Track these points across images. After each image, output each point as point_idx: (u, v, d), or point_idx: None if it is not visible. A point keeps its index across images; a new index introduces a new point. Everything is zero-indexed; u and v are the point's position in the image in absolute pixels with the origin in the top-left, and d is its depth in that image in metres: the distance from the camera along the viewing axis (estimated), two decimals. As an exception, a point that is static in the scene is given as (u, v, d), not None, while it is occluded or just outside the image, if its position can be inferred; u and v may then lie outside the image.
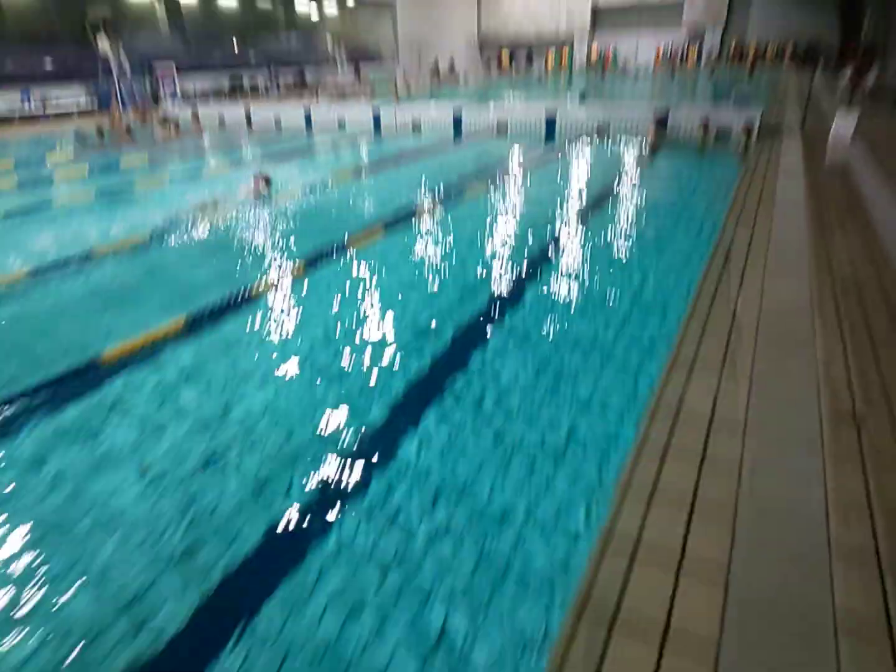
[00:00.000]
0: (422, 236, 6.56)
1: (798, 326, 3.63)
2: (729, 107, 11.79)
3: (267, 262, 5.85)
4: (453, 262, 5.64)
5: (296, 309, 4.79)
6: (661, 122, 11.09)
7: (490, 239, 6.37)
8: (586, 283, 4.96)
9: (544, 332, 4.16)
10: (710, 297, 4.13)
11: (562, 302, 4.68)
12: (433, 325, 4.34)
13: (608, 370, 3.64)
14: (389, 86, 28.46)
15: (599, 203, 7.51)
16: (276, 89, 26.33)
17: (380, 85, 29.21)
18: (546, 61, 37.94)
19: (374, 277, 5.34)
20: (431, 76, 32.37)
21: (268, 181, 8.39)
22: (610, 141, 11.41)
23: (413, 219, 7.11)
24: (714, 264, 4.75)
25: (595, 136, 11.73)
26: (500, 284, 5.09)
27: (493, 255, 5.81)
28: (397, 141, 13.17)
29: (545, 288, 4.98)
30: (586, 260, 5.54)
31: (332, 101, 21.05)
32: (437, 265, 5.60)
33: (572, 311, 4.51)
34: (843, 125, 9.66)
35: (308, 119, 15.23)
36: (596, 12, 36.44)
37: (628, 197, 7.75)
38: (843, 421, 2.77)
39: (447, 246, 6.16)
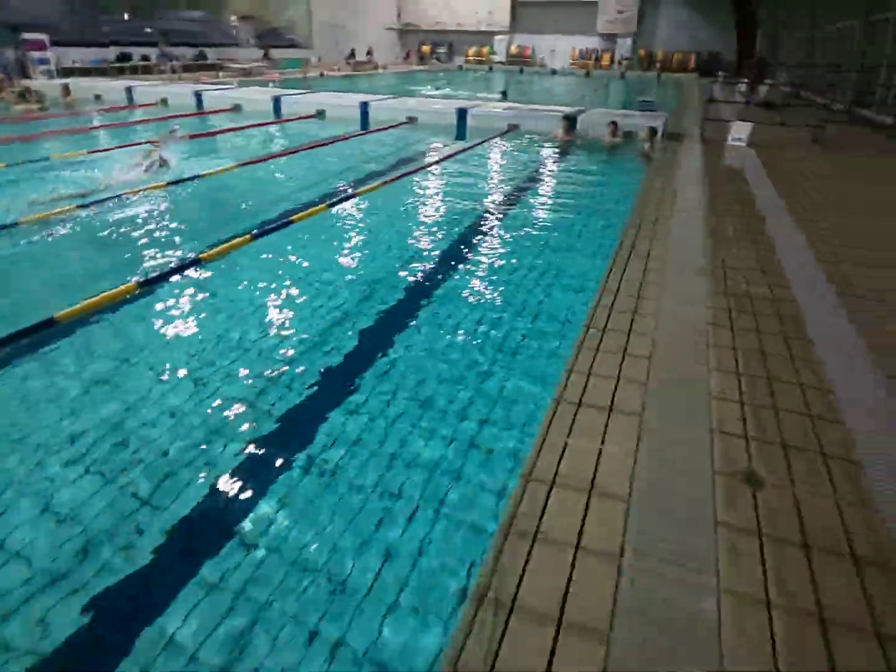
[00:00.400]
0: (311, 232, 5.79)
1: (692, 359, 3.28)
2: (636, 112, 11.85)
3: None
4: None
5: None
6: (571, 123, 10.90)
7: (368, 244, 5.72)
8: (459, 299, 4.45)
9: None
10: (603, 321, 3.72)
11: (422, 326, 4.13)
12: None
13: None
14: (302, 68, 26.97)
15: (497, 202, 7.04)
16: (172, 69, 24.01)
17: (291, 64, 27.61)
18: (466, 55, 37.68)
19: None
20: (347, 63, 31.04)
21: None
22: (521, 139, 11.06)
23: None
24: (611, 280, 4.38)
25: (506, 133, 11.36)
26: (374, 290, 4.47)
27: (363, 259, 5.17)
28: (299, 126, 12.16)
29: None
30: (464, 272, 5.00)
31: (234, 81, 19.48)
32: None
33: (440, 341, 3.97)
34: (739, 132, 9.86)
35: (199, 99, 13.77)
36: (515, 7, 36.59)
37: (529, 198, 7.35)
38: (736, 485, 2.37)
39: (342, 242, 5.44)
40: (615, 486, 2.32)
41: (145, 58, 24.65)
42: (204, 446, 2.80)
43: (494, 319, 4.11)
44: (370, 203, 6.97)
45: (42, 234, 5.56)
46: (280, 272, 4.90)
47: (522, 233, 5.99)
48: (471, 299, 4.44)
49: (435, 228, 6.13)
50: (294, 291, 4.55)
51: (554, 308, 4.31)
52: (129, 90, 14.44)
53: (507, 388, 3.34)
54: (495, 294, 4.55)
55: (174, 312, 4.18)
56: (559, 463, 2.44)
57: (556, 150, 10.26)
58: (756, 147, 9.74)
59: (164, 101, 14.12)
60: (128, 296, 4.15)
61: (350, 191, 7.23)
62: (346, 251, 5.54)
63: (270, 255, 5.24)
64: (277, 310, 4.29)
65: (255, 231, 5.32)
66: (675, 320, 3.71)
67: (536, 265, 5.09)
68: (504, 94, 17.66)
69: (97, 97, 14.87)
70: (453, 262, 5.20)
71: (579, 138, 10.78)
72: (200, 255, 4.80)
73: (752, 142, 9.85)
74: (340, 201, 6.69)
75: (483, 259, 5.28)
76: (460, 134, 11.41)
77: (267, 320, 4.11)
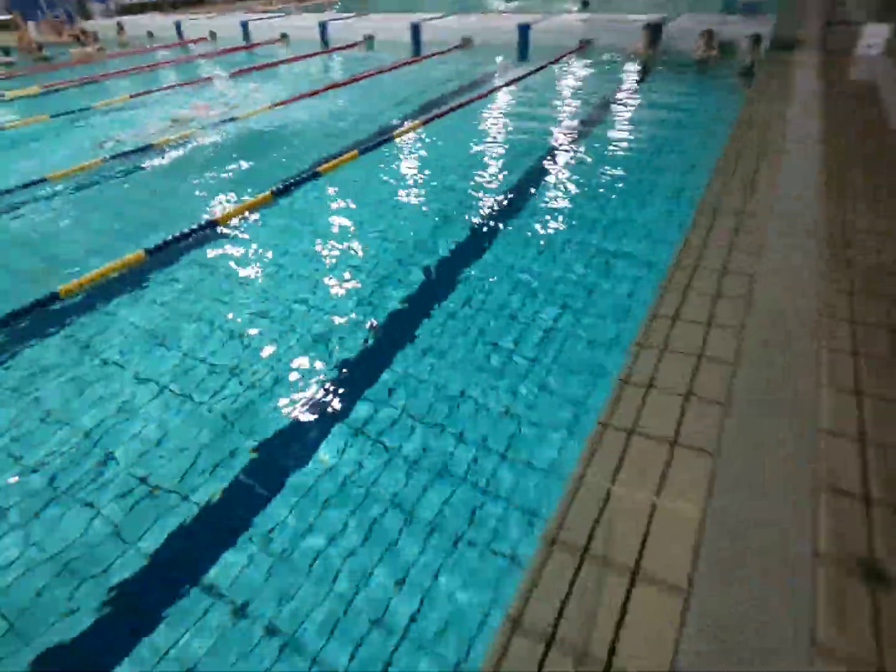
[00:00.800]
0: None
1: (793, 372, 2.42)
2: (736, 16, 9.85)
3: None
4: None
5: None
6: (655, 33, 9.21)
7: (433, 177, 5.00)
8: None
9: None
10: (671, 311, 2.88)
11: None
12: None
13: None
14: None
15: (555, 142, 5.96)
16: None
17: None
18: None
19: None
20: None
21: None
22: (594, 56, 9.51)
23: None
24: (689, 247, 3.45)
25: (578, 50, 9.83)
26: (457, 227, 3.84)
27: (436, 201, 4.48)
28: (348, 55, 11.19)
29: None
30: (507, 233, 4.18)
31: (289, 7, 18.38)
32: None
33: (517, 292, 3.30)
34: (873, 37, 7.91)
35: (246, 30, 13.00)
36: None
37: (594, 135, 6.16)
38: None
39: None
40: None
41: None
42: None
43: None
44: (413, 144, 6.17)
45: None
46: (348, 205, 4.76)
47: (579, 184, 5.00)
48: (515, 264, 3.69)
49: (484, 175, 5.27)
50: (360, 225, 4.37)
51: (602, 308, 3.23)
52: (178, 25, 13.89)
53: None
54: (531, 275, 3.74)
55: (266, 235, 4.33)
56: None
57: (636, 69, 8.71)
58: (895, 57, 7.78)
59: (212, 35, 13.50)
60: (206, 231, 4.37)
61: (398, 128, 6.47)
62: (402, 188, 5.04)
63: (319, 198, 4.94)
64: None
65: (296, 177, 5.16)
66: (772, 308, 2.81)
67: (590, 236, 4.11)
68: (586, 2, 15.13)
69: (150, 34, 14.48)
70: (498, 220, 4.40)
71: (665, 53, 9.12)
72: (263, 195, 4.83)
73: (891, 50, 7.87)
74: (381, 142, 6.02)
75: (519, 232, 4.40)
76: (522, 55, 10.01)
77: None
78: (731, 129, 5.46)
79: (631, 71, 8.64)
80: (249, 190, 5.02)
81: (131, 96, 8.51)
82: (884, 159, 4.62)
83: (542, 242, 3.95)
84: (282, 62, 10.60)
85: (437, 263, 3.81)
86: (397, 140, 6.14)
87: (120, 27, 14.39)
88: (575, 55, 9.59)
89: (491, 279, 3.58)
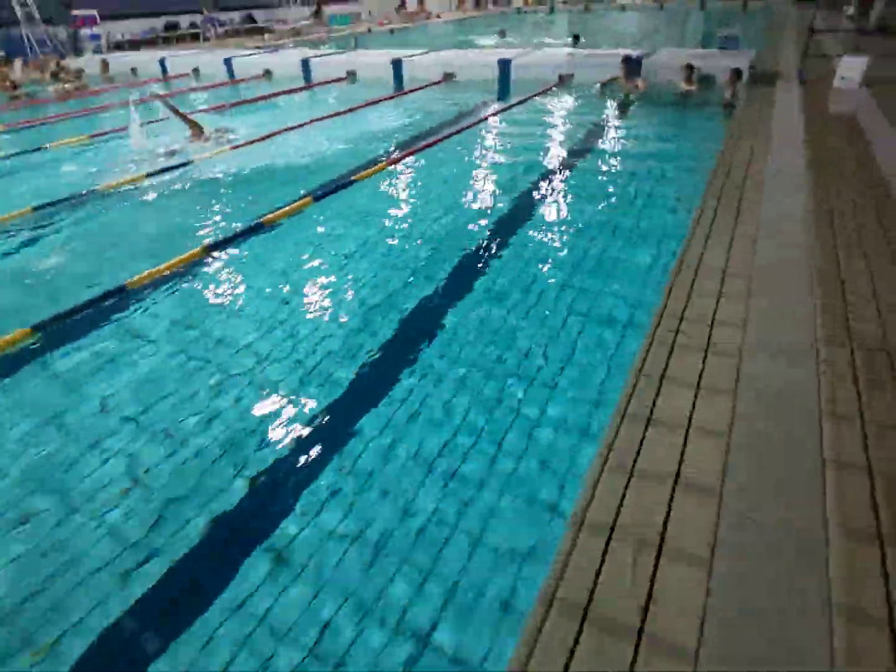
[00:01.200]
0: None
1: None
2: (716, 50, 9.91)
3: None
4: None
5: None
6: (633, 66, 9.21)
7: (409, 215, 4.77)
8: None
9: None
10: (657, 369, 2.62)
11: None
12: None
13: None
14: (351, 24, 25.68)
15: (534, 180, 5.81)
16: (215, 34, 23.37)
17: (340, 21, 26.32)
18: (525, -6, 34.62)
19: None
20: (397, 13, 29.24)
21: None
22: (574, 91, 9.50)
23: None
24: (683, 269, 3.23)
25: (557, 85, 9.83)
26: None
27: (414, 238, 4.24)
28: (330, 90, 11.17)
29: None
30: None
31: (278, 43, 18.59)
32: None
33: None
34: (849, 70, 7.92)
35: (229, 67, 13.02)
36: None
37: (573, 172, 6.02)
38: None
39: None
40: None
41: (193, 25, 24.15)
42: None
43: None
44: (395, 177, 6.03)
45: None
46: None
47: (549, 232, 4.82)
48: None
49: (462, 216, 5.08)
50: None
51: (576, 380, 2.97)
52: (161, 62, 13.92)
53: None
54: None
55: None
56: None
57: (616, 103, 8.69)
58: (872, 88, 7.78)
59: (195, 71, 13.51)
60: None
61: (380, 161, 6.41)
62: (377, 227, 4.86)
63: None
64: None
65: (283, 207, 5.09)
66: (760, 384, 2.54)
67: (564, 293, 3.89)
68: (577, 37, 14.79)
69: (133, 70, 14.49)
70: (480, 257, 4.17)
71: (640, 88, 9.10)
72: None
73: (866, 81, 7.87)
74: (340, 186, 5.81)
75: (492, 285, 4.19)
76: (503, 91, 9.99)
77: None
78: (712, 167, 5.31)
79: (611, 105, 8.60)
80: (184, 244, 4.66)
81: (91, 136, 8.31)
82: (867, 186, 4.46)
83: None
84: (258, 99, 10.53)
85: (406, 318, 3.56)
86: (361, 180, 5.95)
87: (104, 64, 14.40)
88: (555, 89, 9.59)
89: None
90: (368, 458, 2.49)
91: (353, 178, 5.86)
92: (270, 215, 5.03)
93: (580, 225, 4.70)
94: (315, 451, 2.57)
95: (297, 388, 2.96)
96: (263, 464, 2.50)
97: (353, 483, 2.37)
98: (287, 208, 5.19)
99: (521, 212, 5.09)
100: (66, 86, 12.40)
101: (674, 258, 3.61)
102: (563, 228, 4.68)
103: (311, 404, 2.85)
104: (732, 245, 3.66)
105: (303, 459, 2.54)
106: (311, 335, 3.42)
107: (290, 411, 2.80)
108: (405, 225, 4.99)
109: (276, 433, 2.67)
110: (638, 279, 3.75)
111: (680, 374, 2.55)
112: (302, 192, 5.63)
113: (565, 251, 4.29)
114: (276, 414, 2.79)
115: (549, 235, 4.56)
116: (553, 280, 3.84)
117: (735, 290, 3.15)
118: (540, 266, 4.05)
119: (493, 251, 4.36)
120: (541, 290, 3.72)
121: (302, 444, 2.61)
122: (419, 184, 6.08)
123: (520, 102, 8.79)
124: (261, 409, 2.83)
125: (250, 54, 13.93)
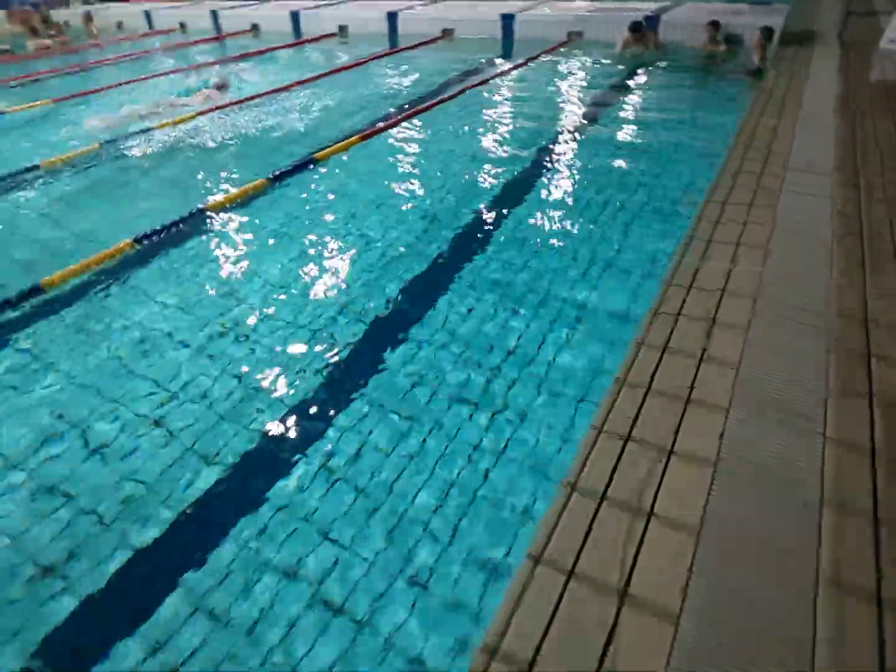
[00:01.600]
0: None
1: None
2: (745, 5, 8.81)
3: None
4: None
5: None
6: (649, 24, 8.22)
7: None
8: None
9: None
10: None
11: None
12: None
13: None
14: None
15: (526, 163, 5.07)
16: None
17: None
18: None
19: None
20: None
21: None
22: (583, 51, 8.54)
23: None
24: (685, 262, 2.62)
25: (565, 43, 8.87)
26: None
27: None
28: (319, 47, 10.29)
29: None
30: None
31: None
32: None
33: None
34: (899, 31, 6.93)
35: (216, 21, 12.12)
36: None
37: (563, 156, 5.18)
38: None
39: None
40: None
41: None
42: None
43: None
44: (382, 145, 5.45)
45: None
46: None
47: (550, 207, 4.14)
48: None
49: (452, 193, 4.47)
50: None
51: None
52: (147, 14, 13.03)
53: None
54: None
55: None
56: None
57: (626, 66, 7.75)
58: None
59: (182, 26, 12.63)
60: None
61: (372, 126, 5.87)
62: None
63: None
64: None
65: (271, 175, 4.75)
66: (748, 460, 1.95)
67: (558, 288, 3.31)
68: None
69: (119, 25, 13.63)
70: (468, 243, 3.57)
71: (660, 48, 8.13)
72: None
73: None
74: (361, 138, 5.46)
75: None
76: (506, 49, 9.05)
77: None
78: (730, 145, 4.55)
79: (617, 71, 7.65)
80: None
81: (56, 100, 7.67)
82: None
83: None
84: (246, 56, 9.73)
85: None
86: (344, 153, 5.32)
87: (88, 17, 13.53)
88: (563, 49, 8.64)
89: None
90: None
91: (315, 155, 5.19)
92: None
93: (566, 216, 4.03)
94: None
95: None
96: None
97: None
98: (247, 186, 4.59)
99: (512, 191, 4.46)
100: (48, 41, 11.62)
101: (664, 273, 2.97)
102: (549, 212, 4.02)
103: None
104: (736, 258, 3.00)
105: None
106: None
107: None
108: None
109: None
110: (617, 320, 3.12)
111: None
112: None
113: (550, 239, 3.65)
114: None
115: (535, 220, 3.91)
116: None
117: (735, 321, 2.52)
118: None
119: (481, 242, 3.75)
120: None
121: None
122: (408, 154, 5.42)
123: (522, 64, 7.91)
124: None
125: (236, 6, 12.93)
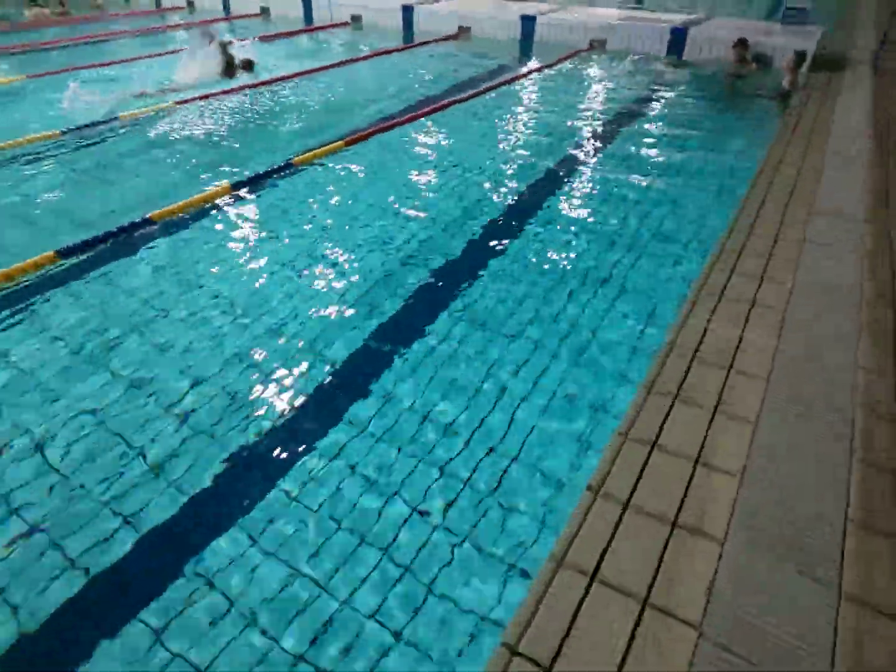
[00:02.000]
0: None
1: None
2: (778, 24, 8.36)
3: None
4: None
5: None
6: (676, 38, 7.79)
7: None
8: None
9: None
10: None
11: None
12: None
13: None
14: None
15: (526, 187, 4.68)
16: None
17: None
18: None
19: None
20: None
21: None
22: (602, 61, 8.11)
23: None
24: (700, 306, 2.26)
25: (585, 51, 8.46)
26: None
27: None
28: (330, 36, 9.89)
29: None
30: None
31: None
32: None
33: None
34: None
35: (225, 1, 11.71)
36: None
37: (574, 175, 4.81)
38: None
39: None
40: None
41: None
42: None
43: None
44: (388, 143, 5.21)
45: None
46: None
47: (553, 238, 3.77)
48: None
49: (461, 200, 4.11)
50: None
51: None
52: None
53: None
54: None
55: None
56: None
57: (648, 81, 7.33)
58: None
59: (190, 4, 12.23)
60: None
61: (382, 123, 5.64)
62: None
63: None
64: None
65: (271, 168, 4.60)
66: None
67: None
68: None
69: (127, -2, 13.24)
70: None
71: (684, 65, 7.71)
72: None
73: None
74: (362, 137, 5.26)
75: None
76: (524, 53, 8.62)
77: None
78: (752, 180, 4.16)
79: (642, 84, 7.23)
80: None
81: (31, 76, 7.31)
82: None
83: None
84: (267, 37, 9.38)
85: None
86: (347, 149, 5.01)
87: (95, -11, 13.11)
88: (583, 55, 8.23)
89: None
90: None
91: (293, 160, 4.82)
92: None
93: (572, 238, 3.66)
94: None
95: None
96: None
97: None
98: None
99: (515, 209, 4.11)
100: (46, 11, 11.22)
101: (658, 346, 2.60)
102: (530, 258, 3.64)
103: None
104: (746, 325, 2.63)
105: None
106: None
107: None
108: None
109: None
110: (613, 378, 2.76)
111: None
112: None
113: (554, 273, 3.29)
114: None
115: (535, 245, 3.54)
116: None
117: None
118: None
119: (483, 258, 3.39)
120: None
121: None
122: (420, 153, 5.12)
123: (540, 69, 7.52)
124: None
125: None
